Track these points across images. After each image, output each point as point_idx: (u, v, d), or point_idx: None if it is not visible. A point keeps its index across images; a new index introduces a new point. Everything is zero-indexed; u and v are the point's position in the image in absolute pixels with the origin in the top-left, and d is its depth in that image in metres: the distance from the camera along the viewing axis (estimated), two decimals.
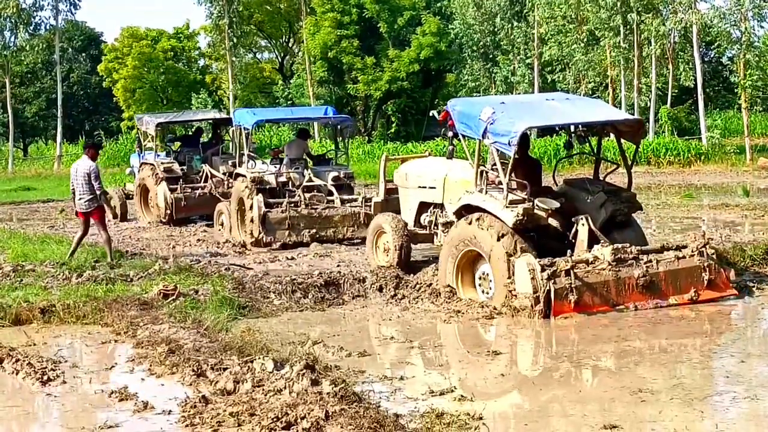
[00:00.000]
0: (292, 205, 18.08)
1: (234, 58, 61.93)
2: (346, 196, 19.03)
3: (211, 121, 26.15)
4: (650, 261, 11.41)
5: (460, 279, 12.19)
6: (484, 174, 12.31)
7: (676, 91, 53.17)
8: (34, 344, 10.09)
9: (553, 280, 10.82)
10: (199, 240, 19.20)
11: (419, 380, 8.37)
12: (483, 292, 11.90)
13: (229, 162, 22.15)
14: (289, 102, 65.63)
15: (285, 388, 7.47)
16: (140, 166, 24.65)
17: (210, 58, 77.57)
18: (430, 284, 12.41)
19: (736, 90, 48.50)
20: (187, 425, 6.97)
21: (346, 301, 12.30)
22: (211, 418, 6.99)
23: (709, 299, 11.49)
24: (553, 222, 11.94)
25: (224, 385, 7.78)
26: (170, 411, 7.36)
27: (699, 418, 7.04)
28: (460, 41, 62.14)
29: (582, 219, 11.87)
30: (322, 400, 7.07)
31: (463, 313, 11.22)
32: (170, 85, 74.32)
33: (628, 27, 49.93)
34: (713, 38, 49.37)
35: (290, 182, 19.06)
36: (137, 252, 16.75)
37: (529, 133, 13.29)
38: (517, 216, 11.39)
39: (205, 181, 23.20)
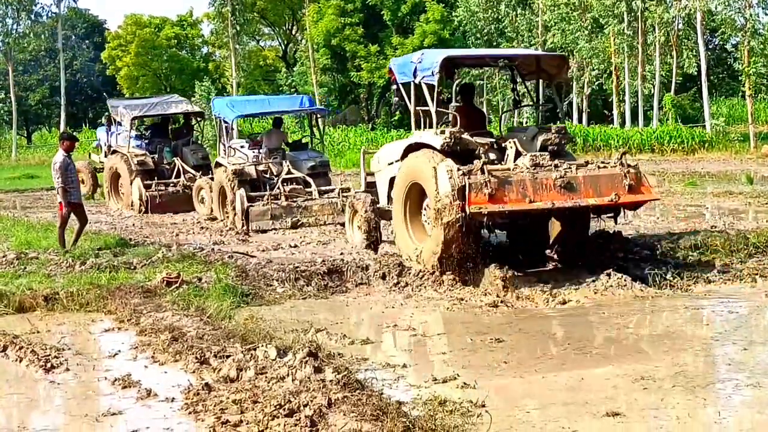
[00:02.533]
0: (273, 198, 19.05)
1: (237, 46, 61.91)
2: (323, 187, 20.05)
3: (182, 114, 26.50)
4: (569, 167, 12.28)
5: (409, 224, 13.21)
6: (419, 113, 13.47)
7: (680, 78, 53.15)
8: (38, 332, 10.11)
9: (468, 177, 11.77)
10: (202, 228, 19.21)
11: (422, 368, 8.38)
12: (426, 222, 12.82)
13: (199, 153, 24.18)
14: (293, 90, 65.57)
15: (288, 375, 7.48)
16: (109, 150, 25.35)
17: (213, 46, 77.58)
18: (433, 272, 12.41)
19: (740, 77, 48.47)
20: (190, 412, 6.98)
21: (350, 289, 12.31)
22: (214, 406, 7.00)
23: (631, 202, 12.41)
24: (492, 156, 12.84)
25: (227, 372, 7.79)
26: (173, 398, 7.37)
27: (701, 405, 7.05)
28: (464, 29, 61.99)
29: (510, 142, 12.92)
30: (324, 387, 7.07)
31: (466, 301, 11.24)
32: (173, 73, 74.33)
33: (632, 14, 49.83)
34: (717, 25, 49.30)
35: (269, 172, 20.12)
36: (140, 240, 16.75)
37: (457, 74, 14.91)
38: (445, 139, 12.53)
39: (177, 176, 23.75)
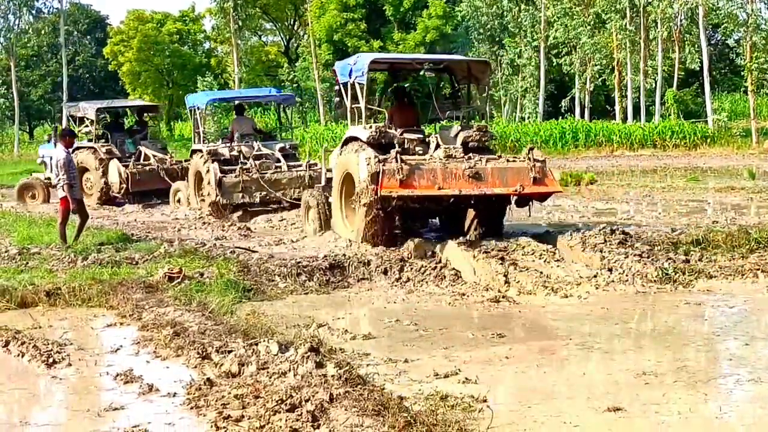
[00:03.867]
0: (245, 171, 20.44)
1: (239, 41, 61.94)
2: (291, 163, 21.54)
3: (137, 108, 28.14)
4: (480, 159, 13.82)
5: (344, 210, 14.92)
6: (355, 110, 15.12)
7: (683, 73, 53.08)
8: (40, 327, 10.11)
9: (383, 164, 13.36)
10: (204, 223, 19.23)
11: (424, 363, 8.38)
12: (353, 207, 14.30)
13: (158, 144, 26.06)
14: (294, 85, 65.56)
15: (289, 370, 7.48)
16: (73, 151, 25.51)
17: (215, 41, 77.53)
18: (435, 267, 12.46)
19: (742, 73, 48.38)
20: (192, 407, 6.98)
21: (351, 284, 12.31)
22: (216, 401, 7.00)
23: (535, 193, 13.89)
24: (419, 149, 14.38)
25: (229, 367, 7.80)
26: (175, 393, 7.38)
27: (703, 400, 7.05)
28: (467, 24, 61.92)
29: (433, 137, 14.65)
30: (326, 382, 7.07)
31: (467, 296, 11.26)
32: (175, 68, 74.28)
33: (634, 9, 49.80)
34: (720, 21, 49.23)
35: (241, 155, 21.28)
36: (142, 235, 16.76)
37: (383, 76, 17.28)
38: (371, 132, 14.25)
39: (145, 160, 24.98)
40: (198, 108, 22.88)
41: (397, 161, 13.43)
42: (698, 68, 50.15)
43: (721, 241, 13.23)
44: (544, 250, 12.72)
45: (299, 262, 12.81)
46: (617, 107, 52.93)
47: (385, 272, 12.55)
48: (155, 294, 11.26)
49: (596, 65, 54.47)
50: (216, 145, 21.88)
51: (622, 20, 50.18)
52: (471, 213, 14.72)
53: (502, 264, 12.06)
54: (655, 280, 11.49)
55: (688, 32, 51.86)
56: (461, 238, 13.80)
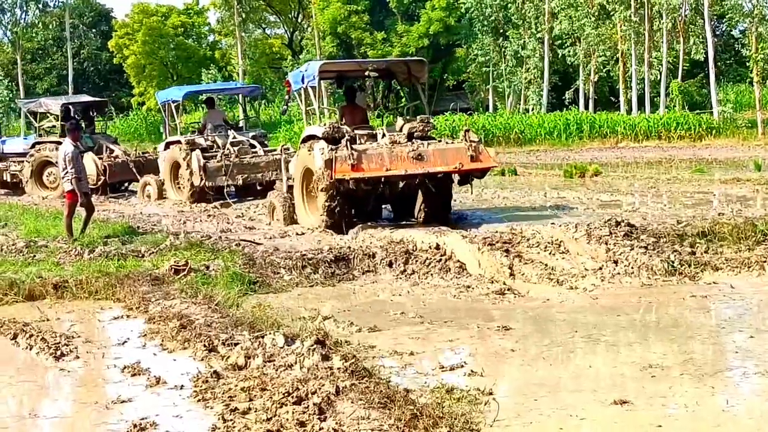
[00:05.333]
0: (226, 156, 22.30)
1: (243, 34, 61.95)
2: (267, 148, 23.73)
3: (87, 104, 29.44)
4: (422, 143, 15.54)
5: (306, 202, 16.38)
6: (310, 112, 17.15)
7: (687, 64, 52.93)
8: (48, 319, 10.16)
9: (335, 151, 14.95)
10: (209, 216, 19.25)
11: (429, 355, 8.41)
12: (313, 194, 15.81)
13: (111, 139, 28.13)
14: None
15: (296, 363, 7.51)
16: (33, 146, 27.27)
17: (219, 34, 77.47)
18: (440, 260, 12.47)
19: (747, 63, 48.26)
20: (199, 400, 7.01)
21: (356, 277, 12.33)
22: (223, 393, 7.03)
23: (473, 169, 15.67)
24: (369, 142, 15.67)
25: (235, 360, 7.83)
26: (182, 386, 7.41)
27: (710, 393, 7.05)
28: (471, 16, 61.80)
29: (380, 130, 16.27)
30: (332, 375, 7.10)
31: (472, 288, 11.26)
32: (180, 61, 74.29)
33: (638, 0, 49.67)
34: (725, 11, 49.11)
35: (215, 145, 22.98)
36: (148, 228, 16.79)
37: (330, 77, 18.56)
38: (325, 129, 15.67)
39: (100, 153, 26.21)
40: (174, 101, 24.31)
41: (347, 149, 15.00)
42: (703, 59, 50.00)
43: (728, 233, 13.19)
44: (548, 242, 12.71)
45: (304, 255, 12.83)
46: (622, 98, 52.82)
47: (390, 265, 12.58)
48: (161, 286, 11.30)
49: (600, 56, 54.34)
50: (193, 136, 23.36)
51: (627, 11, 50.05)
52: (420, 196, 16.32)
53: (507, 256, 12.09)
54: (660, 273, 11.48)
55: (693, 23, 51.67)
56: (412, 220, 16.27)
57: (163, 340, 8.91)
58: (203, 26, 79.96)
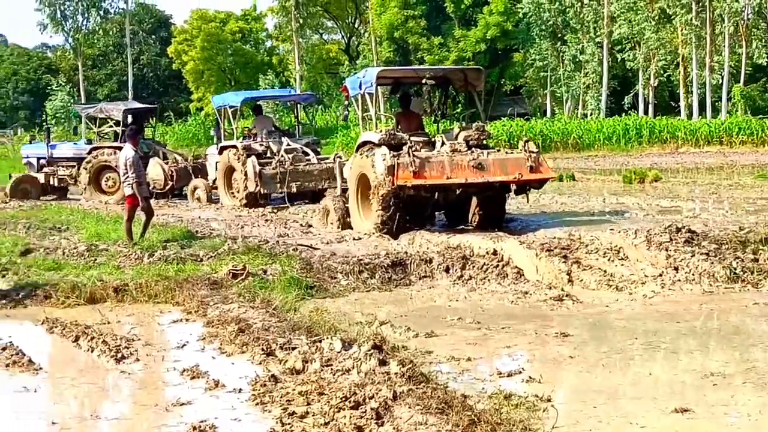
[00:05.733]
0: (279, 164, 22.38)
1: (300, 39, 62.28)
2: (320, 156, 23.84)
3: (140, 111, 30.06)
4: (482, 152, 15.62)
5: (360, 207, 16.44)
6: (366, 118, 17.22)
7: (750, 69, 52.27)
8: (108, 322, 10.27)
9: (397, 158, 15.01)
10: (267, 221, 19.36)
11: (487, 361, 8.37)
12: (371, 200, 15.74)
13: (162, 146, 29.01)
14: None
15: (353, 368, 7.51)
16: (90, 152, 27.51)
17: (277, 40, 78.03)
18: (497, 265, 12.42)
19: None
20: (257, 403, 7.04)
21: (413, 282, 12.32)
22: (281, 397, 7.05)
23: (532, 179, 15.76)
24: (425, 149, 15.92)
25: (293, 364, 7.84)
26: (240, 389, 7.44)
27: None
28: (528, 20, 61.56)
29: (438, 136, 16.43)
30: (389, 380, 7.09)
31: (530, 294, 11.20)
32: (238, 67, 74.93)
33: (700, 4, 49.14)
34: None
35: (269, 150, 23.22)
36: (207, 232, 16.92)
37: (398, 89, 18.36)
38: (381, 135, 15.74)
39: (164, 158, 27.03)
40: (231, 107, 24.55)
41: (409, 155, 15.08)
42: (766, 63, 49.35)
43: None
44: (608, 248, 12.60)
45: (361, 260, 12.84)
46: (682, 103, 52.28)
47: (447, 270, 12.54)
48: (220, 291, 11.37)
49: (661, 61, 53.86)
50: (248, 142, 23.57)
51: (688, 15, 49.55)
52: (474, 202, 16.49)
53: (565, 262, 12.02)
54: (722, 280, 11.33)
55: (756, 26, 51.04)
56: (466, 225, 16.36)
57: (221, 344, 8.96)
58: (261, 32, 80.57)
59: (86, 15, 61.98)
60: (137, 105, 31.74)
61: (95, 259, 13.68)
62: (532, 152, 15.78)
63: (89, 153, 27.39)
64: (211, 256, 13.56)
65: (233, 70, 75.17)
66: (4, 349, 8.91)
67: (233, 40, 75.14)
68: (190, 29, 75.20)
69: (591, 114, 57.04)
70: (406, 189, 15.11)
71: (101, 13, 62.58)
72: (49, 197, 28.22)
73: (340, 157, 20.45)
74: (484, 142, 16.44)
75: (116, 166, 25.90)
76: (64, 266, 13.17)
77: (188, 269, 12.64)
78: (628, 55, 55.43)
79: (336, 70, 74.11)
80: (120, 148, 25.67)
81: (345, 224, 17.08)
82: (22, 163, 31.25)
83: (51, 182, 28.48)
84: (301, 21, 61.90)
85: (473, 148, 15.81)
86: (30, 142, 34.02)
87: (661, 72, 54.89)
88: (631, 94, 57.44)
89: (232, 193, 23.24)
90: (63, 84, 70.91)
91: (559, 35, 60.81)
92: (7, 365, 8.47)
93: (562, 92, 62.08)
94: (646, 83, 55.25)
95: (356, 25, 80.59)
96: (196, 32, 73.65)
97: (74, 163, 28.22)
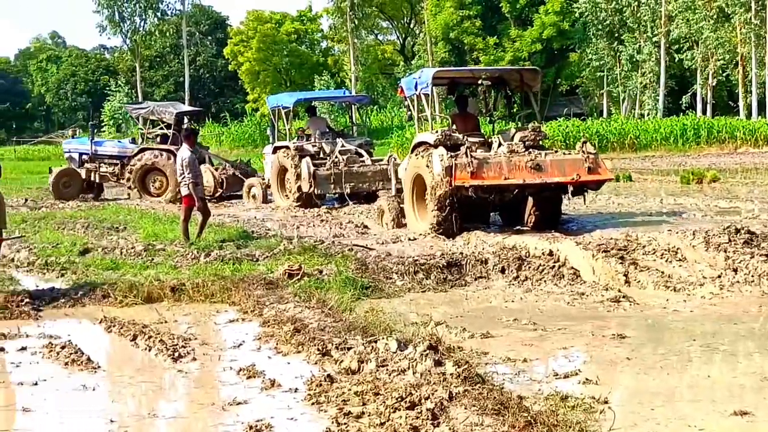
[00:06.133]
0: (333, 165, 22.57)
1: (356, 40, 62.48)
2: (374, 158, 24.03)
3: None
4: (540, 153, 15.64)
5: (416, 208, 16.56)
6: (421, 119, 17.27)
7: None
8: (165, 321, 10.37)
9: (455, 159, 15.08)
10: (322, 221, 19.43)
11: (543, 363, 8.33)
12: (427, 201, 15.76)
13: (206, 150, 29.10)
14: None
15: (409, 368, 7.51)
16: (138, 153, 27.84)
17: (332, 40, 78.30)
18: (553, 266, 12.36)
19: None
20: (313, 403, 7.06)
21: (469, 282, 12.29)
22: (337, 397, 7.07)
23: (590, 181, 15.72)
24: (481, 150, 16.02)
25: (349, 364, 7.86)
26: (296, 389, 7.47)
27: None
28: (585, 20, 61.15)
29: (495, 137, 16.56)
30: (445, 380, 7.08)
31: (587, 296, 11.12)
32: (293, 68, 75.30)
33: (759, 2, 48.48)
34: None
35: (322, 151, 23.41)
36: (262, 232, 17.02)
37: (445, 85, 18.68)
38: (437, 136, 15.86)
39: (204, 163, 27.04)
40: (284, 107, 24.80)
41: (467, 156, 15.11)
42: None
43: None
44: (665, 249, 12.48)
45: (416, 260, 12.84)
46: (741, 103, 51.61)
47: (503, 271, 12.51)
48: (275, 290, 11.43)
49: (719, 60, 53.22)
50: (301, 142, 23.76)
51: (747, 13, 48.91)
52: (530, 202, 16.42)
53: (622, 263, 11.93)
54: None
55: None
56: (522, 226, 16.36)
57: (277, 344, 9.01)
58: (316, 33, 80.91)
59: (144, 16, 62.75)
60: (186, 107, 32.10)
61: (152, 259, 13.84)
62: (590, 153, 15.75)
63: (136, 154, 27.64)
64: (267, 256, 13.65)
65: (289, 70, 75.55)
66: (63, 347, 9.03)
67: (289, 41, 75.52)
68: (246, 30, 75.70)
69: (648, 114, 56.51)
70: (463, 189, 15.13)
71: (158, 14, 63.25)
72: (88, 194, 28.53)
73: (395, 158, 20.74)
74: (540, 142, 16.40)
75: (163, 166, 26.37)
76: (122, 266, 13.34)
77: (244, 269, 12.74)
78: (686, 55, 54.83)
79: (391, 71, 74.18)
80: (168, 151, 26.09)
81: (399, 224, 17.23)
82: (64, 157, 31.54)
83: (92, 178, 28.67)
84: (356, 21, 62.07)
85: (530, 149, 15.78)
86: (72, 137, 34.26)
87: (720, 71, 54.25)
88: (689, 94, 56.82)
89: (285, 194, 23.58)
90: (121, 85, 71.83)
91: (616, 35, 60.33)
92: (66, 364, 8.59)
93: (618, 92, 61.57)
94: (704, 83, 54.63)
95: (411, 26, 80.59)
96: (252, 33, 74.12)
97: (117, 161, 28.46)
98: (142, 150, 27.80)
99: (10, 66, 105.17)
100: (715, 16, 51.45)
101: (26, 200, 26.81)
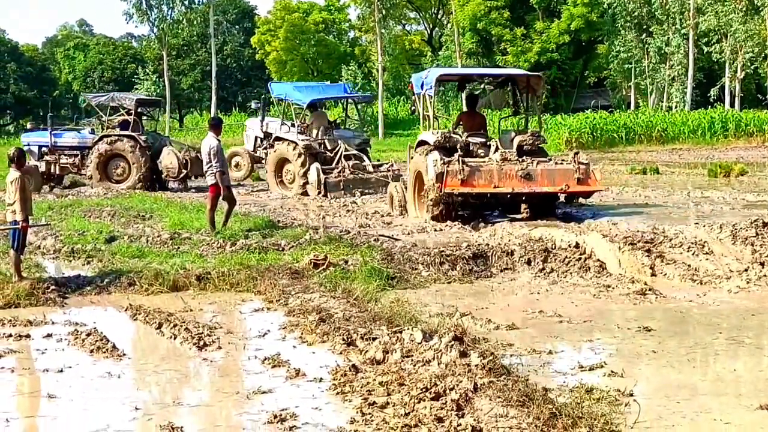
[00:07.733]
0: (341, 171, 23.50)
1: (383, 30, 62.27)
2: (375, 162, 25.46)
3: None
4: (531, 162, 16.17)
5: (416, 201, 17.06)
6: (425, 117, 17.60)
7: None
8: (191, 310, 10.42)
9: (447, 165, 15.73)
10: (348, 211, 19.44)
11: (568, 355, 8.32)
12: (423, 199, 16.47)
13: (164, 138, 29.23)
14: None
15: (433, 359, 7.51)
16: (98, 140, 27.30)
17: (360, 30, 78.15)
18: (579, 258, 12.32)
19: None
20: (337, 393, 7.08)
21: (494, 274, 12.28)
22: (361, 387, 7.09)
23: (578, 191, 16.27)
24: (482, 152, 16.82)
25: (374, 354, 7.87)
26: (321, 378, 7.49)
27: None
28: (613, 11, 60.79)
29: (493, 141, 17.10)
30: (470, 371, 7.08)
31: (613, 288, 11.08)
32: (320, 57, 75.26)
33: None
34: None
35: (323, 146, 24.52)
36: (288, 222, 17.04)
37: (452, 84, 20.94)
38: (437, 137, 16.57)
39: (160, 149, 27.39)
40: (296, 103, 26.00)
41: (458, 163, 15.76)
42: None
43: None
44: (692, 243, 12.41)
45: (442, 251, 12.82)
46: None
47: (529, 262, 12.48)
48: (301, 280, 11.46)
49: (748, 53, 52.78)
50: (307, 138, 24.59)
51: None
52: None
53: (648, 256, 11.88)
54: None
55: None
56: (517, 216, 16.82)
57: (302, 333, 9.04)
58: (344, 22, 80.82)
59: (171, 5, 62.80)
60: (144, 96, 32.47)
61: (178, 248, 13.89)
62: (582, 164, 16.24)
63: (97, 142, 27.20)
64: (293, 246, 13.66)
65: (316, 60, 75.56)
66: (88, 335, 9.10)
67: (316, 30, 75.48)
68: (273, 20, 75.70)
69: (676, 107, 56.18)
70: (453, 196, 15.90)
71: (186, 3, 63.32)
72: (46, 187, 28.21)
73: (392, 166, 22.49)
74: (539, 147, 17.04)
75: (124, 152, 26.40)
76: (148, 254, 13.40)
77: (270, 258, 12.77)
78: (715, 48, 54.43)
79: (418, 61, 74.04)
80: (129, 136, 26.33)
81: (404, 211, 17.95)
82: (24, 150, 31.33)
83: (52, 170, 28.04)
84: (384, 12, 61.90)
85: (524, 157, 16.39)
86: (31, 130, 33.25)
87: (749, 64, 53.81)
88: (717, 87, 56.41)
89: (281, 181, 24.67)
90: (149, 73, 72.05)
91: (645, 27, 59.95)
92: (92, 351, 8.65)
93: (646, 84, 61.23)
94: (733, 76, 54.23)
95: (439, 16, 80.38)
96: (279, 23, 74.12)
97: (77, 152, 27.97)
98: (103, 137, 27.39)
99: (37, 54, 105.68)
100: (744, 9, 51.04)
101: (52, 187, 26.88)
